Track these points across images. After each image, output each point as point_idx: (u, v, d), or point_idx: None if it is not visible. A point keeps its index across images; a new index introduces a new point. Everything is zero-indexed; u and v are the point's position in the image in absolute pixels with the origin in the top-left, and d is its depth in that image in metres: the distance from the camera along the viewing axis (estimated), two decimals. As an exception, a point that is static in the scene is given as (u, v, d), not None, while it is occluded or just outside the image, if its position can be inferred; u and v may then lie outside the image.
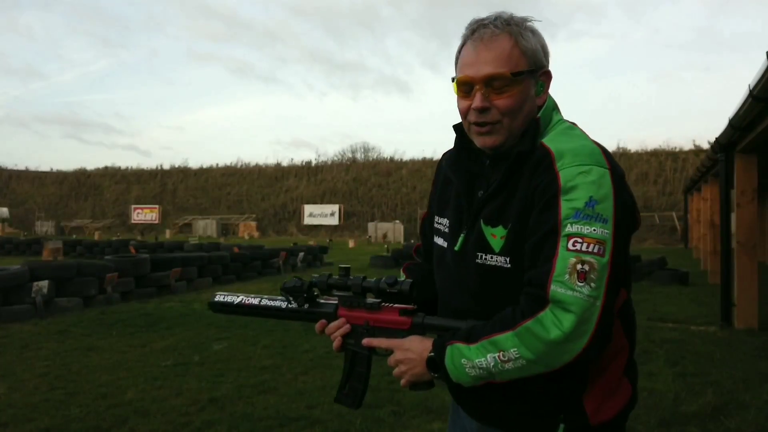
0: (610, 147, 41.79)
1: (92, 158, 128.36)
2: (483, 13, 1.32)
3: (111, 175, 49.72)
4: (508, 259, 1.25)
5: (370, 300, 1.38)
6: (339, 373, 1.42)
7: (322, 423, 3.93)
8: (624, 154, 36.20)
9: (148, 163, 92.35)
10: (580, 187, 1.15)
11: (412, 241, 28.84)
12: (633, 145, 67.25)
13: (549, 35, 1.35)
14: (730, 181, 7.85)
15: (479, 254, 1.29)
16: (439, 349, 1.24)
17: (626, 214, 1.19)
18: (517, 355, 1.14)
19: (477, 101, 1.26)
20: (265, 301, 1.46)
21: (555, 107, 1.34)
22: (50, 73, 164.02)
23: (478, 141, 1.31)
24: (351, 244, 30.11)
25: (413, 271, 1.60)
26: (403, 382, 1.31)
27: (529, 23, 1.29)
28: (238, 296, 1.49)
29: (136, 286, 10.01)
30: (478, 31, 1.28)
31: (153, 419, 4.03)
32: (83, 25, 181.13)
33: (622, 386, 1.28)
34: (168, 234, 38.30)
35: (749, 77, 5.67)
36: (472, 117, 1.29)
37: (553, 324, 1.11)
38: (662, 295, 10.03)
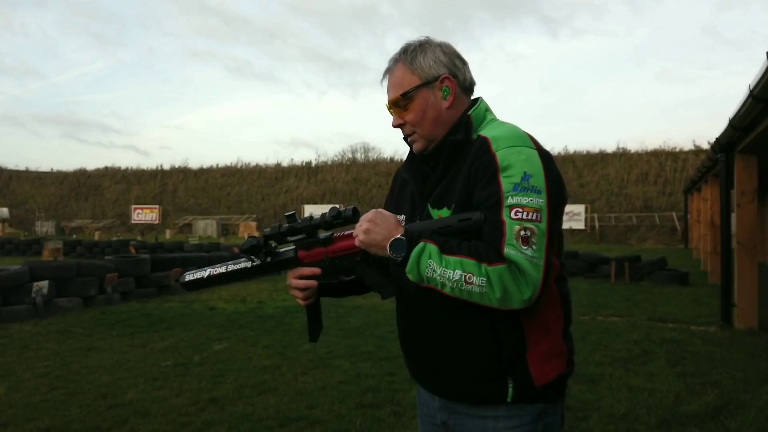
0: (610, 147, 41.33)
1: (90, 158, 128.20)
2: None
3: (111, 175, 49.65)
4: None
5: (323, 235, 1.49)
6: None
7: (322, 423, 3.94)
8: (624, 154, 36.06)
9: (147, 163, 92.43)
10: (515, 165, 1.33)
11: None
12: (633, 145, 67.19)
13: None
14: (730, 181, 7.85)
15: None
16: (412, 239, 1.35)
17: (556, 187, 1.36)
18: (482, 284, 1.27)
19: (392, 121, 1.54)
20: (231, 267, 1.56)
21: (488, 108, 1.55)
22: (47, 72, 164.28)
23: (413, 148, 1.55)
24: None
25: None
26: (360, 238, 1.40)
27: (429, 44, 1.51)
28: (205, 270, 1.59)
29: (136, 286, 9.99)
30: (387, 67, 1.55)
31: (153, 419, 4.03)
32: (79, 22, 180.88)
33: (561, 351, 1.42)
34: (168, 234, 38.21)
35: (751, 77, 5.68)
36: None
37: (515, 282, 1.26)
38: (662, 295, 9.98)
